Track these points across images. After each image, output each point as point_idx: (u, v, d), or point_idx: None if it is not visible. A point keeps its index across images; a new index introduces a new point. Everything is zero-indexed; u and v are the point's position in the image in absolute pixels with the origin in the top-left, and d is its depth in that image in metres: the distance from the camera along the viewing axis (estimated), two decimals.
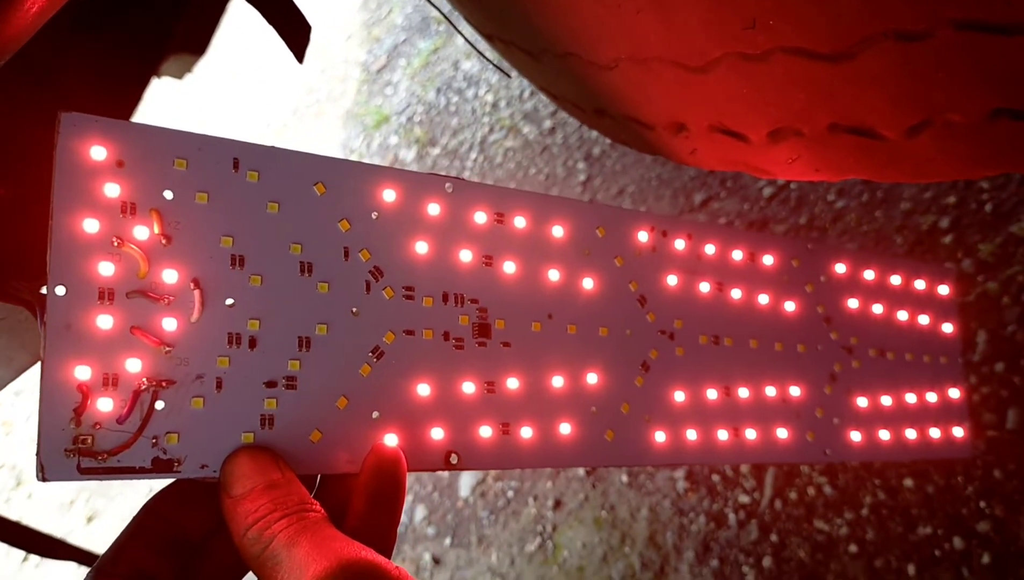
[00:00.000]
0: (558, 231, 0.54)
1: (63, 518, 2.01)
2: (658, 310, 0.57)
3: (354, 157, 2.32)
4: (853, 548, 1.14)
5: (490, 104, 2.06)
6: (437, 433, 0.47)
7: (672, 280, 0.58)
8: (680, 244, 0.59)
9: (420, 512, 1.61)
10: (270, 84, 2.86)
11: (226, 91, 2.96)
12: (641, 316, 0.57)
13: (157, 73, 0.82)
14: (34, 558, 1.91)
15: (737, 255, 0.62)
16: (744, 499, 1.25)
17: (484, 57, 0.85)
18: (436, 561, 1.54)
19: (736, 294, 0.61)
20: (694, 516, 1.29)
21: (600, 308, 0.55)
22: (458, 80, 2.22)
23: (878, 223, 1.30)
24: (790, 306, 0.64)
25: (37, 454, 0.37)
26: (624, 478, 1.39)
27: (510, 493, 1.52)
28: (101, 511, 1.96)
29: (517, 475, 1.52)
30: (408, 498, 1.64)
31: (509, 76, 1.98)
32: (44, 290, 0.38)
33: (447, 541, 1.55)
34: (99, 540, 1.83)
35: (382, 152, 2.26)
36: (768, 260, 0.63)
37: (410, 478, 1.64)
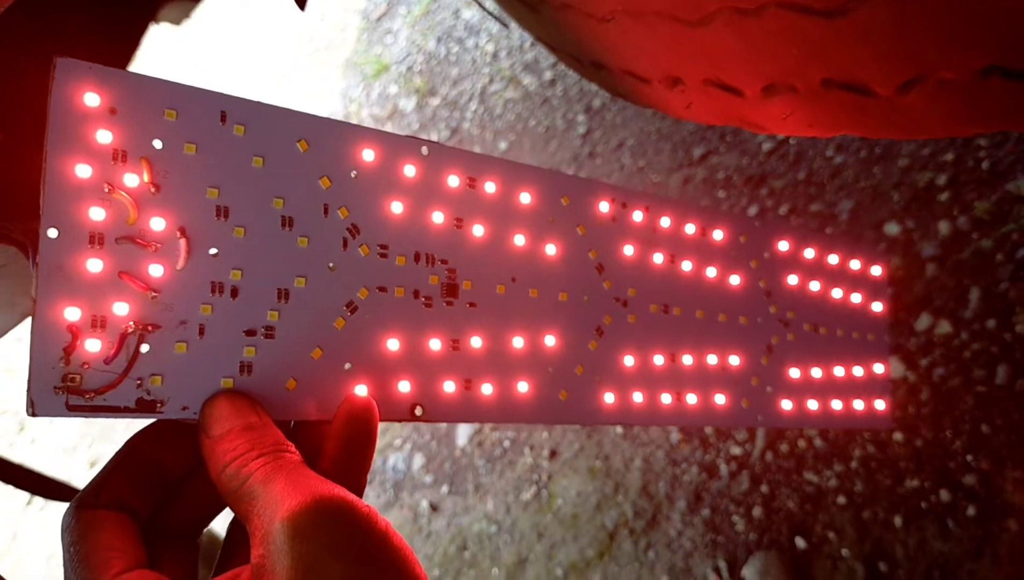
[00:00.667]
0: (526, 198, 0.56)
1: (66, 462, 1.98)
2: (614, 278, 0.61)
3: (353, 107, 2.29)
4: (841, 499, 1.18)
5: (491, 54, 2.05)
6: (404, 386, 0.50)
7: (629, 250, 0.62)
8: (638, 216, 0.62)
9: (418, 460, 1.64)
10: (269, 32, 2.78)
11: (224, 39, 2.87)
12: (598, 283, 0.60)
13: (155, 19, 0.81)
14: (38, 501, 1.89)
15: (690, 229, 0.65)
16: (736, 451, 1.30)
17: (483, 7, 0.86)
18: (433, 508, 1.57)
19: (687, 266, 0.65)
20: (687, 467, 1.33)
21: (561, 274, 0.58)
22: (459, 29, 2.19)
23: (875, 179, 1.32)
24: (735, 280, 0.68)
25: (28, 390, 0.39)
26: (619, 429, 1.44)
27: (506, 443, 1.55)
28: (103, 456, 1.94)
29: (514, 425, 1.55)
30: (407, 447, 1.67)
31: (507, 27, 1.97)
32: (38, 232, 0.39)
33: (444, 489, 1.58)
34: None
35: (381, 102, 2.23)
36: (718, 235, 0.67)
37: (408, 427, 1.68)
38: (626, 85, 0.79)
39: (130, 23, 0.75)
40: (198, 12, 0.91)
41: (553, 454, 1.49)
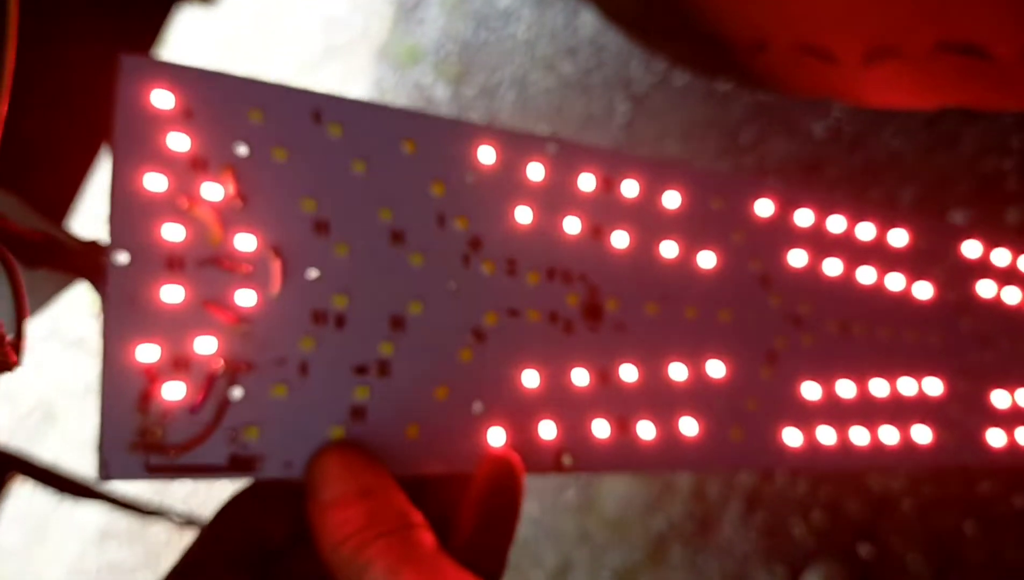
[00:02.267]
0: (672, 200, 0.47)
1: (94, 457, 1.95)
2: (782, 292, 0.51)
3: (386, 96, 2.24)
4: (908, 504, 1.09)
5: (527, 42, 1.98)
6: (547, 430, 0.41)
7: (796, 258, 0.52)
8: (804, 217, 0.52)
9: None
10: (299, 18, 2.77)
11: (253, 24, 2.87)
12: (764, 299, 0.50)
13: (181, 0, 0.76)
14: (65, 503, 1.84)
15: (867, 232, 0.55)
16: None
17: None
18: None
19: (867, 276, 0.54)
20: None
21: (720, 289, 0.48)
22: (494, 16, 2.13)
23: (939, 165, 1.25)
24: (924, 292, 0.57)
25: (99, 449, 0.32)
26: None
27: None
28: None
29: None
30: None
31: None
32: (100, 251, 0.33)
33: None
34: (134, 481, 1.80)
35: (415, 91, 2.18)
36: (899, 238, 0.56)
37: None
38: (701, 53, 0.71)
39: (156, 3, 0.70)
40: None
41: None
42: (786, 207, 0.52)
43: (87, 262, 0.33)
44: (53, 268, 0.33)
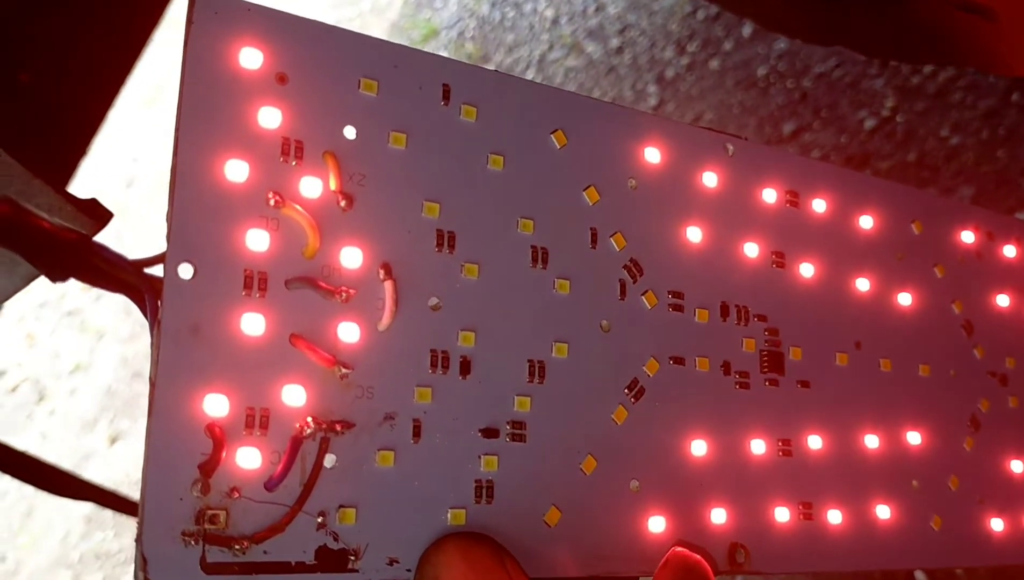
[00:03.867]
0: (866, 222, 0.37)
1: (86, 438, 1.85)
2: (987, 342, 0.40)
3: None
4: None
5: (550, 20, 1.86)
6: (718, 515, 0.31)
7: (1002, 301, 0.41)
8: (1010, 251, 0.42)
9: None
10: None
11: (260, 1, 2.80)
12: (967, 350, 0.40)
13: None
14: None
15: None
16: None
17: None
18: None
19: None
20: None
21: (918, 336, 0.38)
22: None
23: (1000, 163, 1.13)
24: None
25: (138, 539, 0.22)
26: None
27: None
28: (126, 432, 1.81)
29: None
30: None
31: None
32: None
33: None
34: (122, 463, 1.69)
35: None
36: None
37: None
38: (941, 25, 0.60)
39: None
40: None
41: None
42: (988, 238, 0.42)
43: (134, 276, 0.24)
44: (89, 280, 0.24)
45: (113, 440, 1.80)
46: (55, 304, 1.80)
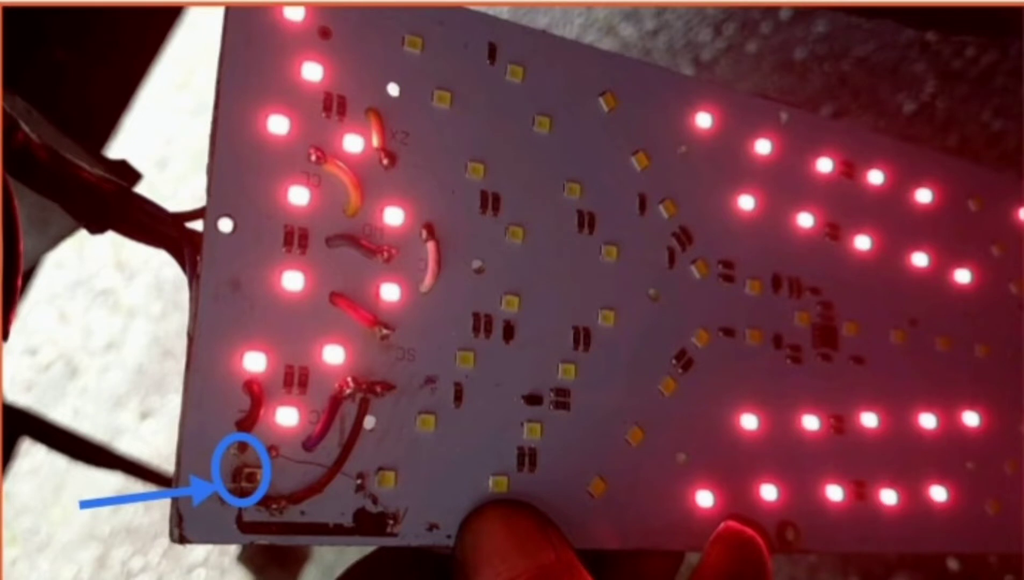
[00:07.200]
0: (924, 196, 0.36)
1: (117, 414, 1.87)
2: None
3: None
4: None
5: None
6: (768, 492, 0.30)
7: None
8: None
9: None
10: None
11: None
12: (1022, 332, 0.38)
13: None
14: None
15: None
16: None
17: None
18: None
19: None
20: None
21: (977, 315, 0.37)
22: None
23: None
24: None
25: (174, 500, 0.22)
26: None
27: None
28: (156, 409, 1.82)
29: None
30: None
31: None
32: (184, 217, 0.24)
33: None
34: (152, 439, 1.71)
35: None
36: None
37: None
38: None
39: None
40: None
41: None
42: None
43: (174, 228, 0.23)
44: (128, 232, 0.23)
45: (144, 417, 1.82)
46: (87, 283, 1.81)
